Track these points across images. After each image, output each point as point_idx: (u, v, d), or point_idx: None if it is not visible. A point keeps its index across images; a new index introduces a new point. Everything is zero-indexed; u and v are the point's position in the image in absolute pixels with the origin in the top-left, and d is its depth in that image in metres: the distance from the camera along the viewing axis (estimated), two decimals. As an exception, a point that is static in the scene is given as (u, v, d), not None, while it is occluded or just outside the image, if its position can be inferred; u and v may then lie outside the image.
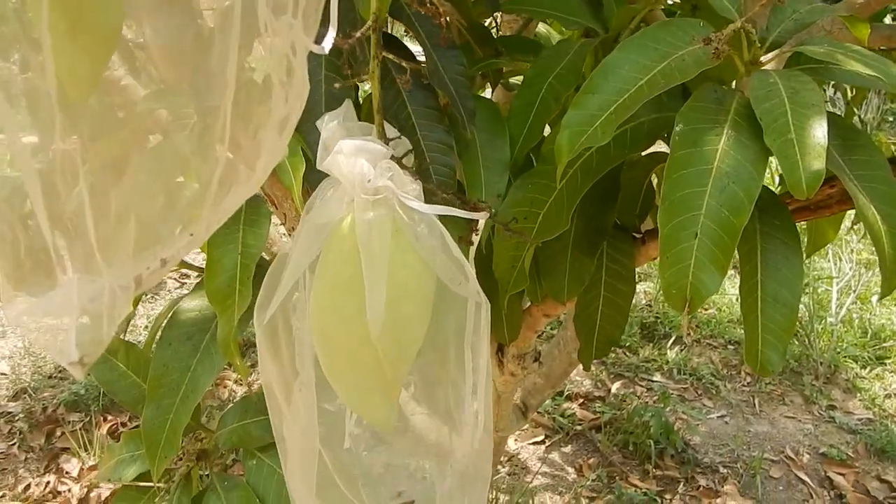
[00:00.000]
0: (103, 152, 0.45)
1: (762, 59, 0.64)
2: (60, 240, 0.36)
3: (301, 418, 0.48)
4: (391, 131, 0.44)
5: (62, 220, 0.36)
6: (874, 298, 3.06)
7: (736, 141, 0.58)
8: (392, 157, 0.41)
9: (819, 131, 0.55)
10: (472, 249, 0.47)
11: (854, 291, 3.01)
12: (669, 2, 1.00)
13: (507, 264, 0.75)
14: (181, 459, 0.77)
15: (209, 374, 0.68)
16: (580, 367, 1.44)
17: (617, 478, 2.13)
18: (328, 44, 0.35)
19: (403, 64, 0.40)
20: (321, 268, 0.42)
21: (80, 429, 2.18)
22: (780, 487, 2.13)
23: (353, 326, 0.40)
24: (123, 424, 2.24)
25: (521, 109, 0.75)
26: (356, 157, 0.39)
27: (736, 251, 0.61)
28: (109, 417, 2.25)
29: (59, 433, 2.18)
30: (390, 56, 0.41)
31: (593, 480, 2.11)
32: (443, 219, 0.42)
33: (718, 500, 2.07)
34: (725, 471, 2.18)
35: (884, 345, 2.78)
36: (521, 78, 1.03)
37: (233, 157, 0.39)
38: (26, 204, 0.36)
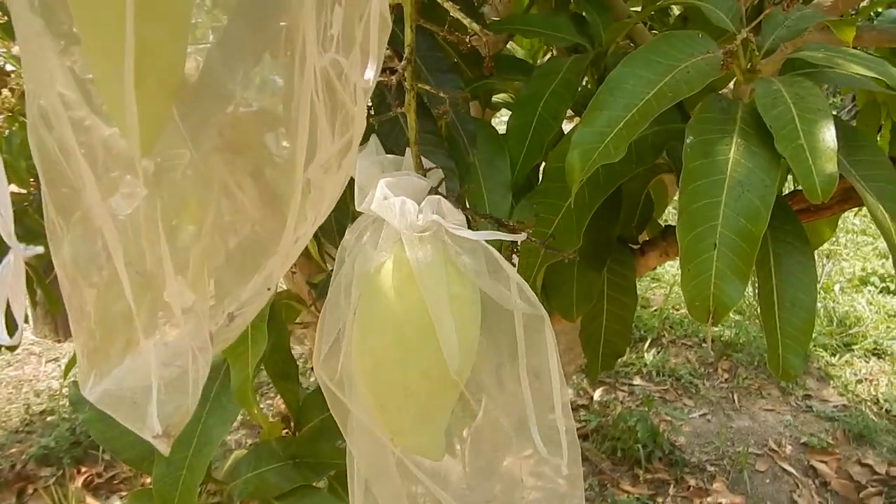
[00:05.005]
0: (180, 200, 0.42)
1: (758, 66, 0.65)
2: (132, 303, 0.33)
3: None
4: (425, 161, 0.42)
5: (138, 277, 0.33)
6: (836, 287, 3.15)
7: (746, 149, 0.58)
8: (432, 189, 0.40)
9: (828, 135, 0.56)
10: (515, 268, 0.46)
11: (818, 282, 3.09)
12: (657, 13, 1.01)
13: (515, 285, 0.74)
14: (194, 516, 0.73)
15: (223, 426, 0.65)
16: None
17: (608, 485, 2.14)
18: (371, 78, 0.34)
19: (441, 94, 0.39)
20: (365, 310, 0.40)
21: (53, 484, 2.08)
22: (767, 480, 2.16)
23: (411, 362, 0.39)
24: (99, 475, 2.16)
25: (518, 129, 0.74)
26: (398, 195, 0.38)
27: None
28: (83, 469, 2.16)
29: (30, 490, 2.08)
30: (426, 87, 0.40)
31: (586, 490, 2.10)
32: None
33: (709, 499, 2.09)
34: (713, 469, 2.20)
35: (850, 331, 2.87)
36: (502, 96, 1.03)
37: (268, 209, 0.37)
38: (98, 270, 0.33)
